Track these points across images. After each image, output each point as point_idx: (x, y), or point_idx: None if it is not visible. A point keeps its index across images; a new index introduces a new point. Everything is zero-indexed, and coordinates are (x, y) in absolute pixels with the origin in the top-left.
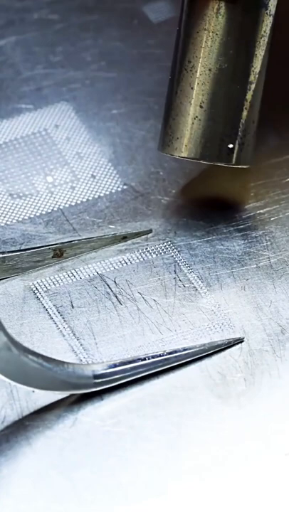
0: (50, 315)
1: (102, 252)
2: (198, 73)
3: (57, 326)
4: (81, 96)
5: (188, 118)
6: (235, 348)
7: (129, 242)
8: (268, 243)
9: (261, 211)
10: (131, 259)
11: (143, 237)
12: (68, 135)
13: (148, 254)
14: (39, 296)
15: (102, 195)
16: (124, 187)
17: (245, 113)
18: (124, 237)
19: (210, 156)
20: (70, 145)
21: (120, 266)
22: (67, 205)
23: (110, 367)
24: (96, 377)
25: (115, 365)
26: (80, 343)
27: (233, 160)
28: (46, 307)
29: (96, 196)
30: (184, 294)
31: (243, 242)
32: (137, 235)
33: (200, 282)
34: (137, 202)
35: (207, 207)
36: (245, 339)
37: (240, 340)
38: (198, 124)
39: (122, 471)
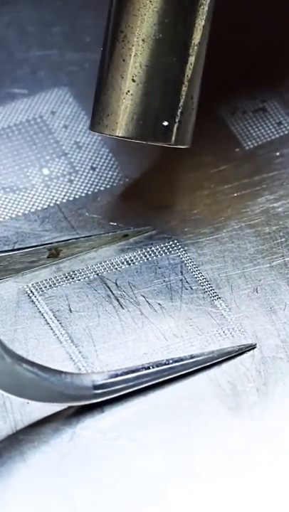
0: (46, 320)
1: (102, 251)
2: (130, 44)
3: (53, 331)
4: (80, 80)
5: (119, 93)
6: (247, 355)
7: (131, 240)
8: (283, 240)
9: (275, 205)
10: (133, 259)
11: (147, 234)
12: (66, 123)
13: (152, 254)
14: (34, 300)
15: (102, 189)
16: (127, 180)
17: (182, 88)
18: (126, 235)
19: (143, 135)
20: (68, 134)
21: (122, 267)
22: (64, 200)
23: (111, 376)
24: (96, 387)
25: (117, 375)
26: (79, 351)
27: (169, 139)
28: (42, 311)
29: (96, 190)
30: (191, 297)
31: (255, 239)
32: (140, 232)
33: (208, 284)
34: (140, 196)
35: (216, 201)
36: (257, 346)
37: (252, 347)
38: (130, 100)
39: (125, 488)
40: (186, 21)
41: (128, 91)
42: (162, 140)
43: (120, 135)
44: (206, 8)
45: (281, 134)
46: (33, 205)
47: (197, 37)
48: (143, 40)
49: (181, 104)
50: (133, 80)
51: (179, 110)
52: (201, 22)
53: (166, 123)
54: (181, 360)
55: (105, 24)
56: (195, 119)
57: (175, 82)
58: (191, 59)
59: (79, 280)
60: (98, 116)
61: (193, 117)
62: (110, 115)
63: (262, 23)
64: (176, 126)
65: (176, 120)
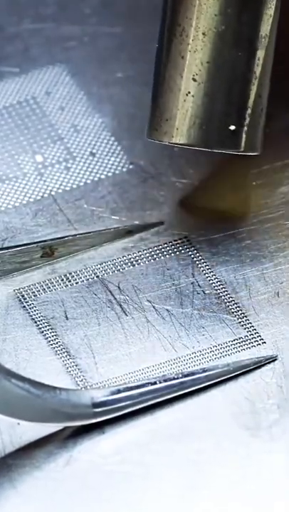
0: (39, 328)
1: (102, 250)
2: (189, 38)
3: (48, 341)
4: (78, 56)
5: (178, 94)
6: (267, 368)
7: (136, 237)
8: None
9: None
10: (138, 259)
11: (153, 230)
12: (62, 104)
13: (160, 253)
14: (26, 306)
15: (103, 177)
16: (131, 167)
17: (250, 86)
18: (130, 232)
19: (208, 141)
20: (65, 116)
21: (125, 268)
22: (60, 191)
23: (113, 393)
24: (96, 405)
25: (119, 391)
26: (76, 363)
27: (237, 145)
28: (34, 319)
29: (96, 179)
30: (203, 303)
31: (276, 234)
32: (146, 228)
33: (223, 287)
34: (146, 186)
35: (232, 191)
36: (278, 357)
37: (272, 359)
38: (191, 102)
39: None
40: (251, 10)
41: (188, 92)
42: (229, 147)
43: (181, 142)
44: None
45: None
46: (25, 196)
47: (265, 28)
48: (203, 34)
49: (248, 104)
50: (194, 80)
51: (247, 112)
52: (268, 11)
53: (232, 127)
54: (193, 374)
55: (160, 17)
56: (264, 121)
57: (241, 80)
58: (259, 53)
59: (76, 283)
60: (155, 121)
61: (262, 120)
62: (169, 120)
63: None
64: (244, 130)
65: (244, 123)
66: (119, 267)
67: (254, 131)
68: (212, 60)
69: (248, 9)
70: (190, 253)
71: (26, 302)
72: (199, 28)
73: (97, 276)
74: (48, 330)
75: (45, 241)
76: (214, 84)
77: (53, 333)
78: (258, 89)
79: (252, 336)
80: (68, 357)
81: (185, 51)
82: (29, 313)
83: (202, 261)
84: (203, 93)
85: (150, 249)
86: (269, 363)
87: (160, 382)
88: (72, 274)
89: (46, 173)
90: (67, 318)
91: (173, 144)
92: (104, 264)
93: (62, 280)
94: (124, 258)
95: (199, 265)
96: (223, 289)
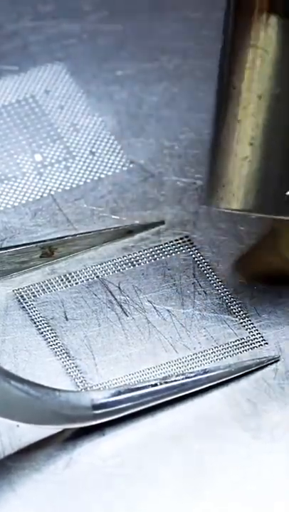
0: (38, 329)
1: (102, 250)
2: (245, 101)
3: (47, 342)
4: (77, 54)
5: (235, 159)
6: (269, 369)
7: (136, 236)
8: None
9: None
10: (139, 259)
11: (154, 230)
12: (62, 103)
13: (160, 253)
14: (25, 306)
15: (103, 176)
16: (131, 166)
17: None
18: (131, 231)
19: (263, 207)
20: (64, 115)
21: (125, 268)
22: (59, 190)
23: (113, 394)
24: (96, 407)
25: (119, 393)
26: (76, 365)
27: None
28: (34, 319)
29: (96, 178)
30: (205, 303)
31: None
32: (146, 227)
33: (225, 288)
34: (146, 185)
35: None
36: (280, 358)
37: (274, 360)
38: (247, 167)
39: None
40: None
41: (245, 157)
42: (286, 214)
43: (238, 208)
44: None
45: None
46: (24, 196)
47: None
48: (259, 97)
49: None
50: (251, 144)
51: None
52: None
53: None
54: (194, 375)
55: (217, 79)
56: None
57: None
58: None
59: (76, 283)
60: (212, 187)
61: None
62: (226, 186)
63: None
64: None
65: None
66: (119, 267)
67: None
68: (268, 123)
69: None
70: (191, 253)
71: (26, 303)
72: (255, 90)
73: (97, 277)
74: (48, 331)
75: (44, 241)
76: (270, 148)
77: (52, 334)
78: None
79: (254, 337)
80: (68, 358)
81: (241, 115)
82: (28, 313)
83: (203, 261)
84: (260, 158)
85: (151, 249)
86: (271, 364)
87: (161, 384)
88: (72, 274)
89: (45, 172)
90: (66, 319)
91: (231, 210)
92: (104, 264)
93: (62, 280)
94: (125, 258)
95: (200, 265)
96: (225, 290)
